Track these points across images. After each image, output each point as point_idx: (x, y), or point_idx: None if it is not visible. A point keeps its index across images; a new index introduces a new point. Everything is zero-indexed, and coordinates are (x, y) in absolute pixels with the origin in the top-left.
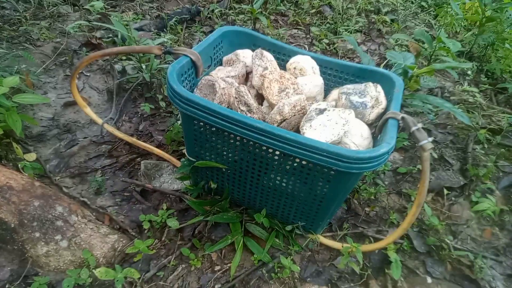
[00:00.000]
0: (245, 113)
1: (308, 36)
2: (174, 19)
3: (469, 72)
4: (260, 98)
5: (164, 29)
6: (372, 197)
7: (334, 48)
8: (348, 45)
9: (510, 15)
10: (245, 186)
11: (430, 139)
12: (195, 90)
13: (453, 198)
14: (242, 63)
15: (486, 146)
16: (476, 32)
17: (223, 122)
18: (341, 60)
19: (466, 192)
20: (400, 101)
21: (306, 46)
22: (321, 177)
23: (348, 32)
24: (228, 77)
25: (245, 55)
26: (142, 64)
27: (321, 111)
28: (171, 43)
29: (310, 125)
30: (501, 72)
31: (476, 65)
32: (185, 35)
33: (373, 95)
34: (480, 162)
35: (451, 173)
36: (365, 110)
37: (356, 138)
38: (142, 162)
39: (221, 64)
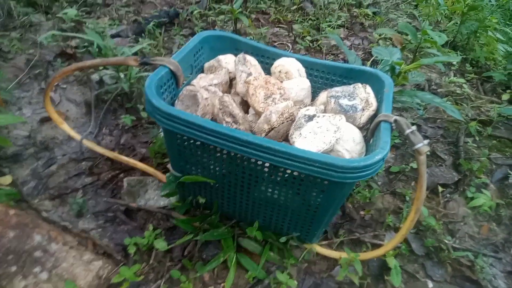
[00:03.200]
0: (231, 124)
1: (290, 34)
2: (152, 23)
3: (454, 62)
4: (245, 105)
5: (142, 34)
6: (367, 200)
7: (318, 45)
8: (332, 42)
9: (490, 1)
10: (235, 199)
11: (426, 141)
12: (176, 102)
13: (448, 195)
14: (224, 69)
15: (477, 138)
16: (459, 22)
17: (207, 136)
18: (328, 61)
19: (461, 188)
20: (391, 102)
21: (289, 44)
22: (314, 188)
23: (331, 27)
24: (211, 85)
25: (227, 60)
26: (121, 73)
27: (310, 118)
28: (150, 49)
29: (300, 133)
30: (485, 60)
31: (460, 55)
32: (165, 39)
33: (362, 97)
34: (473, 155)
35: (444, 169)
36: (355, 114)
37: (348, 144)
38: (124, 179)
39: (203, 71)
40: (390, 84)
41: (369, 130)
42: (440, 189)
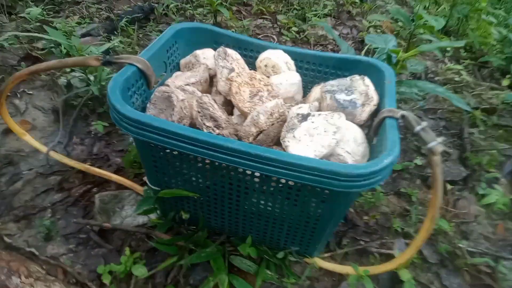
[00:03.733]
0: (212, 129)
1: (275, 25)
2: (124, 20)
3: (448, 48)
4: (229, 105)
5: (115, 32)
6: (371, 204)
7: (305, 36)
8: (320, 32)
9: None
10: (223, 213)
11: (440, 139)
12: (148, 106)
13: (457, 193)
14: (203, 65)
15: (482, 128)
16: (447, 7)
17: (185, 145)
18: (319, 52)
19: (470, 184)
20: (394, 95)
21: (274, 36)
22: (314, 198)
23: (317, 17)
24: (187, 84)
25: (206, 55)
26: (90, 75)
27: (304, 117)
28: (123, 47)
29: (293, 136)
30: (480, 45)
31: (453, 40)
32: (140, 36)
33: (361, 90)
34: (479, 147)
35: (451, 164)
36: (355, 110)
37: (350, 145)
38: (96, 196)
39: (179, 69)
40: (391, 75)
41: (372, 128)
42: (448, 186)
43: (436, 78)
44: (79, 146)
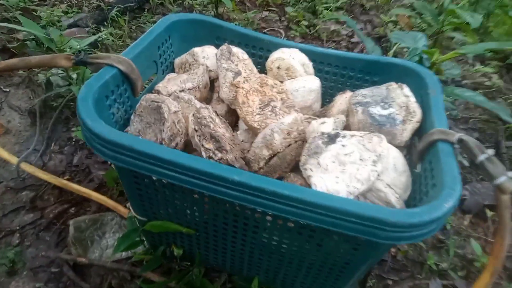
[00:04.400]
0: (213, 153)
1: (282, 18)
2: (116, 9)
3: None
4: (233, 114)
5: (105, 23)
6: None
7: (316, 31)
8: (332, 27)
9: None
10: (224, 250)
11: (511, 173)
12: (132, 117)
13: (497, 219)
14: (202, 67)
15: None
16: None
17: (177, 175)
18: (343, 52)
19: None
20: (443, 110)
21: (281, 31)
22: (344, 244)
23: (329, 10)
24: (183, 90)
25: (206, 54)
26: (72, 73)
27: (332, 138)
28: (113, 40)
29: (318, 163)
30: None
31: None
32: (132, 27)
33: (400, 102)
34: None
35: (489, 184)
36: (394, 128)
37: (389, 174)
38: (71, 222)
39: (172, 70)
40: (436, 83)
41: (417, 153)
42: (488, 212)
43: (464, 82)
44: (57, 155)
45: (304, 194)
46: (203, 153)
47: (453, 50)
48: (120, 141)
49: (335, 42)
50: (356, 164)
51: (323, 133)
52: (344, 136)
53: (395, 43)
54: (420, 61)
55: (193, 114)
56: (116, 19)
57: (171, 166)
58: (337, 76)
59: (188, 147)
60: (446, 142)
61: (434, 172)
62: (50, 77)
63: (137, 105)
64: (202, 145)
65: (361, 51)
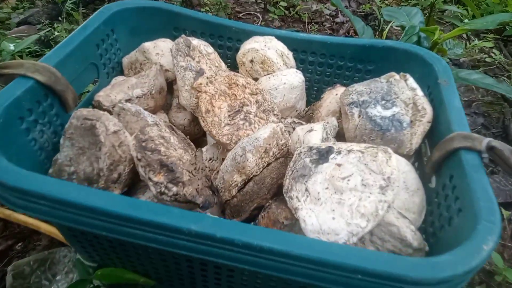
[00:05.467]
0: (165, 187)
1: (259, 0)
2: (70, 1)
3: (466, 21)
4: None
5: (59, 18)
6: None
7: (296, 13)
8: (314, 6)
9: None
10: None
11: None
12: (61, 141)
13: None
14: (155, 66)
15: None
16: None
17: (111, 226)
18: (329, 37)
19: None
20: (460, 106)
21: (258, 15)
22: None
23: None
24: (130, 99)
25: (159, 50)
26: None
27: (322, 155)
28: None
29: (307, 189)
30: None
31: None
32: None
33: (406, 98)
34: None
35: (500, 178)
36: (401, 133)
37: (399, 196)
38: (9, 268)
39: (122, 72)
40: (446, 71)
41: (431, 163)
42: (504, 214)
43: (462, 60)
44: None
45: (289, 246)
46: (152, 189)
47: (446, 25)
48: (25, 186)
49: (318, 24)
50: (357, 192)
51: (310, 148)
52: (338, 152)
53: (387, 22)
54: (419, 42)
55: (135, 136)
56: (72, 13)
57: (101, 216)
58: (323, 66)
59: (134, 178)
60: (471, 150)
61: (458, 191)
62: None
63: (66, 125)
64: (150, 179)
65: (347, 33)
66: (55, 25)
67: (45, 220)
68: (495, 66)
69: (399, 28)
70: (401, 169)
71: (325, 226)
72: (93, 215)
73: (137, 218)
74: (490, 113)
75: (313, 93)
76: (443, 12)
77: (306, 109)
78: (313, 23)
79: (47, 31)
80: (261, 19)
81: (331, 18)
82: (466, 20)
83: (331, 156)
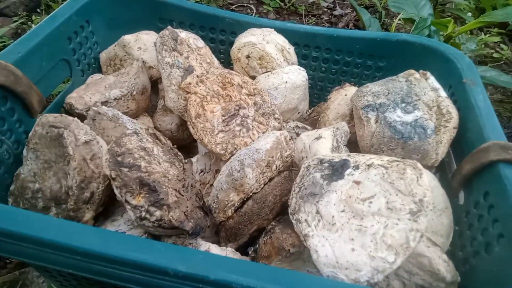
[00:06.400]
0: (146, 211)
1: None
2: None
3: (469, 14)
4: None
5: (38, 9)
6: None
7: (292, 5)
8: None
9: None
10: None
11: None
12: (24, 152)
13: None
14: (137, 63)
15: None
16: None
17: (80, 263)
18: (336, 29)
19: None
20: (492, 110)
21: (252, 7)
22: None
23: None
24: (107, 101)
25: (142, 44)
26: None
27: (336, 170)
28: None
29: (318, 211)
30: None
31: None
32: None
33: (429, 100)
34: None
35: None
36: (425, 141)
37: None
38: None
39: (99, 69)
40: (471, 68)
41: (458, 175)
42: None
43: (469, 55)
44: None
45: None
46: (131, 213)
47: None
48: None
49: (315, 17)
50: (382, 218)
51: (321, 161)
52: (356, 167)
53: (389, 14)
54: (429, 36)
55: (109, 150)
56: (51, 4)
57: (63, 252)
58: (328, 63)
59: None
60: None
61: (496, 212)
62: None
63: (30, 134)
64: (127, 201)
65: (346, 26)
66: (33, 17)
67: None
68: (502, 62)
69: (401, 22)
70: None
71: (342, 259)
72: (55, 251)
73: (108, 256)
74: (500, 112)
75: (317, 93)
76: (444, 5)
77: (309, 111)
78: (310, 16)
79: (21, 23)
80: (255, 11)
81: (328, 11)
82: (469, 14)
83: (347, 171)
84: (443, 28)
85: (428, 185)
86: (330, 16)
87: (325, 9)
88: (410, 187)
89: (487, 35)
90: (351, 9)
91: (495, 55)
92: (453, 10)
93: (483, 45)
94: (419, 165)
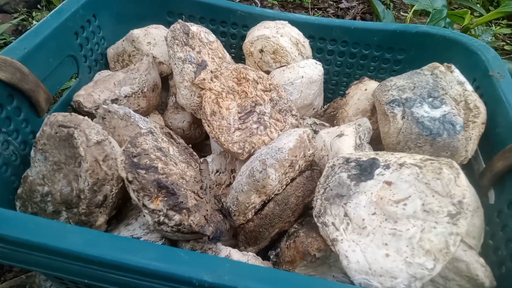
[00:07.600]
0: (165, 216)
1: None
2: None
3: (477, 6)
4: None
5: (38, 5)
6: None
7: None
8: None
9: None
10: None
11: None
12: (32, 153)
13: None
14: (147, 58)
15: None
16: None
17: (95, 273)
18: (353, 21)
19: None
20: None
21: (257, 1)
22: None
23: None
24: (117, 99)
25: (151, 38)
26: None
27: (365, 170)
28: None
29: (346, 214)
30: None
31: None
32: None
33: (456, 94)
34: None
35: None
36: (454, 137)
37: None
38: None
39: (106, 66)
40: (497, 61)
41: (488, 173)
42: None
43: None
44: None
45: None
46: (148, 218)
47: (459, 8)
48: None
49: (321, 10)
50: (418, 221)
51: (347, 160)
52: (386, 166)
53: (396, 7)
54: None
55: (124, 151)
56: (52, 0)
57: (77, 262)
58: (344, 56)
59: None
60: None
61: None
62: None
63: (38, 134)
64: (144, 205)
65: (353, 19)
66: (34, 14)
67: None
68: None
69: (407, 15)
70: None
71: (376, 265)
72: (68, 260)
73: (128, 266)
74: None
75: (331, 88)
76: None
77: (324, 107)
78: (315, 9)
79: (22, 20)
80: (259, 5)
81: (334, 4)
82: (477, 5)
83: (377, 171)
84: (459, 19)
85: (466, 185)
86: (336, 9)
87: (331, 2)
88: (448, 187)
89: (498, 27)
90: (357, 2)
91: (506, 47)
92: (463, 1)
93: (493, 38)
94: (455, 163)
